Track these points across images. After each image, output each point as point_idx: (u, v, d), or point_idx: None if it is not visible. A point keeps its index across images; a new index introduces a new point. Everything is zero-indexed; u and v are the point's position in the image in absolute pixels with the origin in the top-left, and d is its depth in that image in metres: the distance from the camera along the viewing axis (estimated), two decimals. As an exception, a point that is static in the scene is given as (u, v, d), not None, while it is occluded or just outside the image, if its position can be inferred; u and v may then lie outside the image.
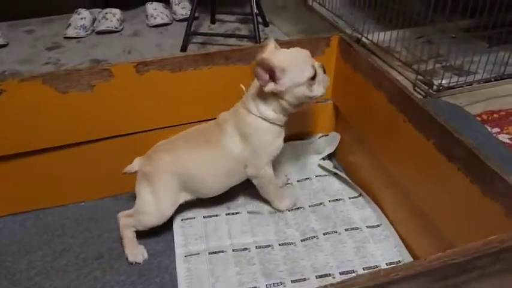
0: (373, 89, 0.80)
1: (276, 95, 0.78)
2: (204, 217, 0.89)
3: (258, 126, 0.81)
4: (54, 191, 0.92)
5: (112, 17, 1.82)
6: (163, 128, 0.89)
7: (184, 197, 0.86)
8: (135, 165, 0.84)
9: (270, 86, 0.76)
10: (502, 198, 0.56)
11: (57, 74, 0.79)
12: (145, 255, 0.82)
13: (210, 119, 0.92)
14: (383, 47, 1.55)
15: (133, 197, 0.90)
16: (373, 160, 0.88)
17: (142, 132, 0.89)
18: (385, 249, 0.81)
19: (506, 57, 1.38)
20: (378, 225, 0.85)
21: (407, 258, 0.78)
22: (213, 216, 0.90)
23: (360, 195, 0.93)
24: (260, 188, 0.88)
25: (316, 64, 0.79)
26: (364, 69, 0.83)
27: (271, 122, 0.81)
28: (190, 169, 0.83)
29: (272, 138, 0.83)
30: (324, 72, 0.81)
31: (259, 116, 0.80)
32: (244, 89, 0.84)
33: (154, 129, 0.89)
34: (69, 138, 0.85)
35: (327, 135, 1.03)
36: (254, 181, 0.87)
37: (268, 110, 0.80)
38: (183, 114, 0.90)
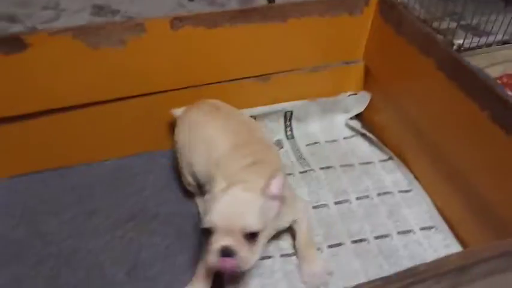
0: (419, 53, 0.78)
1: None
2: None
3: None
4: (78, 149, 0.89)
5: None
6: (196, 86, 0.86)
7: None
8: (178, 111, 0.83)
9: None
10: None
11: (88, 28, 0.73)
12: None
13: (243, 78, 0.89)
14: (401, 3, 1.50)
15: (157, 156, 0.89)
16: (406, 123, 0.88)
17: (173, 90, 0.85)
18: (417, 214, 0.82)
19: (525, 18, 1.35)
20: (409, 190, 0.86)
21: (440, 223, 0.80)
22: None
23: (390, 158, 0.93)
24: None
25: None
26: (409, 32, 0.80)
27: None
28: None
29: None
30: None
31: None
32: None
33: (186, 88, 0.85)
34: (97, 96, 0.81)
35: (356, 93, 1.01)
36: None
37: None
38: (216, 73, 0.86)
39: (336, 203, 0.84)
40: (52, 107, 0.79)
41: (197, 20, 0.78)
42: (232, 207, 0.60)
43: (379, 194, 0.86)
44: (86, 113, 0.83)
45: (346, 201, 0.85)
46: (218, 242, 0.58)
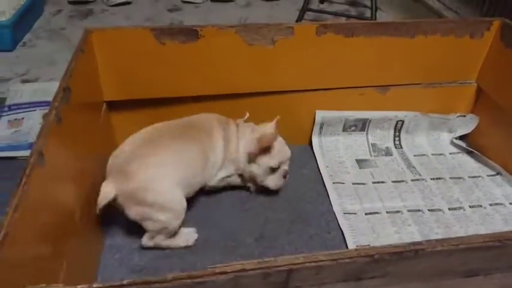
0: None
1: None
2: (353, 183, 0.96)
3: None
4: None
5: (228, -14, 1.91)
6: (323, 89, 0.97)
7: None
8: (108, 192, 0.72)
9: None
10: None
11: (249, 27, 0.87)
12: (195, 236, 0.82)
13: (364, 87, 0.99)
14: None
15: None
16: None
17: (308, 91, 0.97)
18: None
19: None
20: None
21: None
22: (361, 184, 0.96)
23: (498, 173, 0.97)
24: None
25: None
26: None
27: None
28: None
29: None
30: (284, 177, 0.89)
31: None
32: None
33: (313, 90, 0.97)
34: (245, 87, 0.94)
35: (465, 115, 1.07)
36: None
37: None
38: (343, 78, 0.97)
39: (450, 209, 0.90)
40: (209, 93, 0.93)
41: (338, 28, 0.90)
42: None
43: (491, 204, 0.90)
44: (227, 103, 0.95)
45: (460, 208, 0.90)
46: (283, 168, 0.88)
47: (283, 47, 0.90)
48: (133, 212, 0.74)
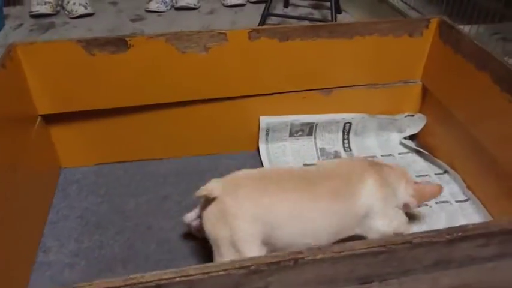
0: (476, 70, 0.83)
1: None
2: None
3: None
4: (158, 145, 1.00)
5: (191, -6, 1.91)
6: (264, 94, 0.96)
7: None
8: (215, 189, 0.68)
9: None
10: None
11: (180, 34, 0.86)
12: None
13: (306, 90, 0.98)
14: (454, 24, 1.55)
15: (221, 157, 0.98)
16: (462, 141, 0.91)
17: (243, 97, 0.95)
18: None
19: None
20: (466, 200, 0.89)
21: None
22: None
23: (446, 172, 0.96)
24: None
25: None
26: (467, 51, 0.86)
27: None
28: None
29: None
30: None
31: None
32: None
33: (255, 95, 0.96)
34: (181, 96, 0.92)
35: (413, 115, 1.06)
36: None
37: None
38: (283, 82, 0.95)
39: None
40: (142, 103, 0.92)
41: (271, 32, 0.89)
42: None
43: (437, 202, 0.89)
44: (166, 112, 0.94)
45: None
46: None
47: (217, 53, 0.89)
48: (211, 231, 0.67)
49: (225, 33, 0.87)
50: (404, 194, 0.75)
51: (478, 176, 0.88)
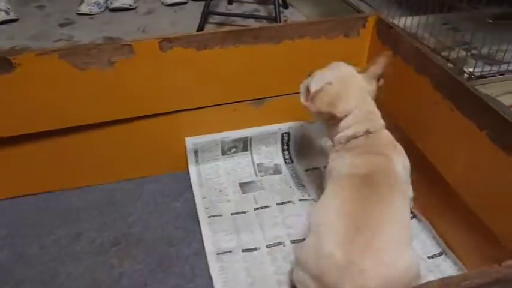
0: (415, 73, 0.74)
1: None
2: (231, 214, 0.85)
3: None
4: (69, 173, 0.87)
5: (126, -7, 1.76)
6: (187, 110, 0.84)
7: None
8: None
9: None
10: None
11: (75, 49, 0.73)
12: None
13: (236, 102, 0.87)
14: (411, 33, 1.48)
15: (145, 182, 0.88)
16: (407, 147, 0.83)
17: (163, 114, 0.84)
18: (424, 242, 0.77)
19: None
20: (412, 217, 0.81)
21: (447, 250, 0.75)
22: (241, 212, 0.85)
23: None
24: None
25: None
26: (406, 52, 0.77)
27: None
28: None
29: None
30: None
31: None
32: None
33: (177, 111, 0.84)
34: (86, 118, 0.80)
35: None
36: None
37: None
38: (207, 96, 0.85)
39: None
40: (37, 130, 0.79)
41: (187, 41, 0.77)
42: None
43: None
44: (72, 138, 0.82)
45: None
46: None
47: (124, 68, 0.77)
48: None
49: (131, 45, 0.75)
50: None
51: (419, 181, 0.80)
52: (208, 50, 0.79)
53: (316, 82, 0.70)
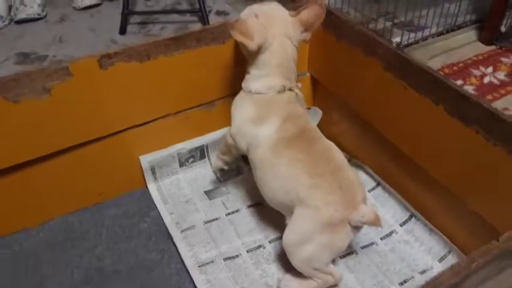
0: (363, 56, 0.76)
1: None
2: (204, 223, 0.82)
3: None
4: (14, 214, 0.79)
5: (32, 2, 1.60)
6: (137, 126, 0.79)
7: None
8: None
9: None
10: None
11: (1, 81, 0.65)
12: None
13: (188, 109, 0.84)
14: (334, 8, 1.51)
15: (105, 207, 0.82)
16: (363, 131, 0.85)
17: (112, 135, 0.78)
18: (394, 209, 0.82)
19: (452, 8, 1.39)
20: (376, 186, 0.85)
21: (416, 213, 0.79)
22: (214, 220, 0.83)
23: (349, 160, 0.89)
24: None
25: None
26: (351, 36, 0.78)
27: None
28: None
29: None
30: None
31: None
32: None
33: (127, 129, 0.79)
34: (28, 154, 0.72)
35: (309, 108, 0.97)
36: None
37: None
38: (157, 108, 0.80)
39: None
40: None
41: (128, 54, 0.72)
42: None
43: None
44: (17, 175, 0.74)
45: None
46: None
47: (63, 93, 0.70)
48: None
49: (66, 67, 0.68)
50: None
51: (381, 161, 0.83)
52: (152, 60, 0.74)
53: (245, 13, 0.71)
